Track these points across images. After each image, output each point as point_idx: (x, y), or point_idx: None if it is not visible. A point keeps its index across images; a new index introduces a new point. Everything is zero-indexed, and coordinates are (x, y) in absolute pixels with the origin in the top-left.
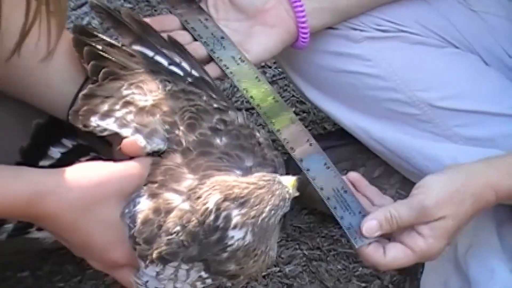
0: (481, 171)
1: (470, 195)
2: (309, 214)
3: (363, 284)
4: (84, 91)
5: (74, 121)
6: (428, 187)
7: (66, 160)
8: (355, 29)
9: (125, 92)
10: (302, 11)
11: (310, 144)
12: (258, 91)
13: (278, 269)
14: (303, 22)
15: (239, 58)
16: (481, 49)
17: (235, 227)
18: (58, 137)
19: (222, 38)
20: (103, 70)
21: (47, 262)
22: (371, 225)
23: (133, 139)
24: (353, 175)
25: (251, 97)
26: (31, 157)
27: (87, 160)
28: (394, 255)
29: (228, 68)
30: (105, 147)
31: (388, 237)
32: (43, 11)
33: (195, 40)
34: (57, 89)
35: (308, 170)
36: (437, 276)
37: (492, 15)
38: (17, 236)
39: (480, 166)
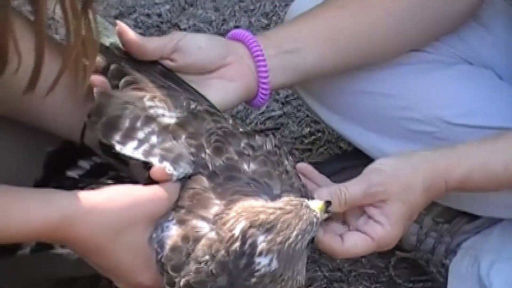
0: (432, 158)
1: (420, 181)
2: None
3: None
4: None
5: (91, 127)
6: (378, 166)
7: (86, 182)
8: None
9: (147, 104)
10: (264, 67)
11: None
12: None
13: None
14: (265, 78)
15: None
16: (494, 63)
17: (260, 253)
18: (73, 160)
19: None
20: (125, 78)
21: None
22: (321, 192)
23: (161, 166)
24: (301, 165)
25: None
26: (47, 186)
27: (108, 179)
28: (353, 242)
29: None
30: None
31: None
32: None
33: None
34: (69, 112)
35: None
36: None
37: (503, 29)
38: (41, 252)
39: (431, 154)
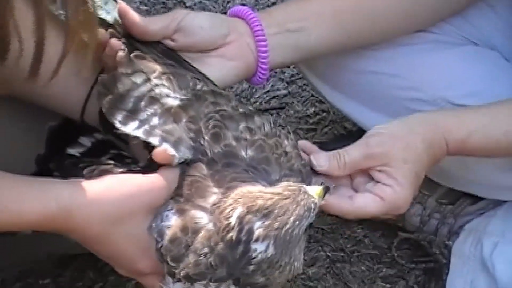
0: (430, 119)
1: (419, 140)
2: (331, 215)
3: (388, 285)
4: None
5: (99, 99)
6: (376, 130)
7: (87, 161)
8: None
9: (155, 81)
10: (265, 47)
11: None
12: None
13: (301, 271)
14: (264, 58)
15: None
16: (500, 45)
17: (257, 239)
18: (75, 136)
19: None
20: (134, 52)
21: (69, 269)
22: (319, 156)
23: (163, 148)
24: (303, 142)
25: None
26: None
27: (108, 158)
28: (363, 202)
29: None
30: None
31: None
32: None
33: None
34: (69, 89)
35: None
36: (463, 276)
37: (507, 9)
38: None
39: (429, 115)
